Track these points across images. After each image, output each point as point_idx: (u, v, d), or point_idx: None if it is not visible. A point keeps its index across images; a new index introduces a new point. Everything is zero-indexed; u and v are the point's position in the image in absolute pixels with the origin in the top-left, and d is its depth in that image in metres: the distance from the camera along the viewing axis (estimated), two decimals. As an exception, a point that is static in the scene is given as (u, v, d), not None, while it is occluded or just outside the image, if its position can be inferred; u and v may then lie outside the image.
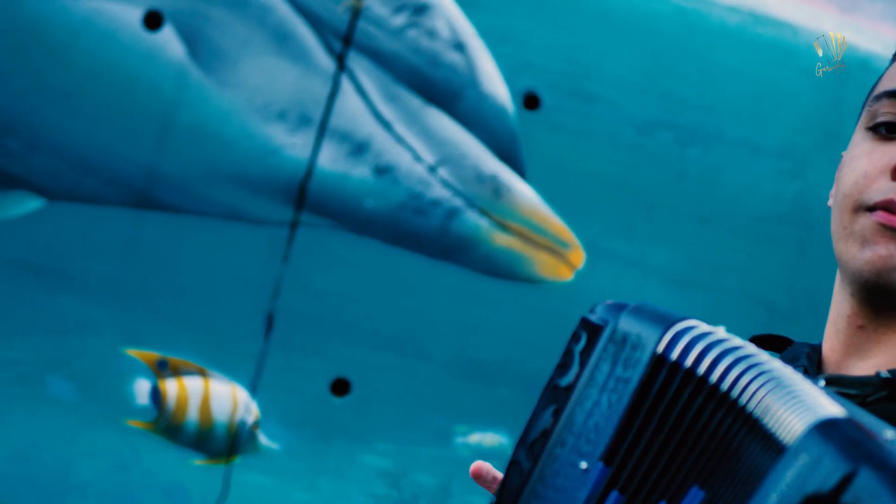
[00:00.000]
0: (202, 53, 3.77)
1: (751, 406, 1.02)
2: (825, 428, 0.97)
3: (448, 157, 3.84)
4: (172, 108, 3.74)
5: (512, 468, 1.14)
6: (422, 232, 3.83)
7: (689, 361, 1.06)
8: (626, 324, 1.11)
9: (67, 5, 3.71)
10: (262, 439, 3.75)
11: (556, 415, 1.12)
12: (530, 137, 3.88)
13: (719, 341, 1.07)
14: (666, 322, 1.09)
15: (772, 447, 0.99)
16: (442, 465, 3.77)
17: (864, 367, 1.23)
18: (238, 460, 3.74)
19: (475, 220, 3.84)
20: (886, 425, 1.00)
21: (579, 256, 3.88)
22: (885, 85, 1.23)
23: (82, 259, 3.72)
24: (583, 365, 1.12)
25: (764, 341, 1.29)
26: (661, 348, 1.08)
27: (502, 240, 3.86)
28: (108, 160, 3.74)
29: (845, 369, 1.24)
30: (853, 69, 3.97)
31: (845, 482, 0.94)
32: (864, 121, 1.24)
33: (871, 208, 1.18)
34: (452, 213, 3.84)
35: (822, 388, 1.07)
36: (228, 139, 3.77)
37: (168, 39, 3.75)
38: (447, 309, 3.84)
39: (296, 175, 3.78)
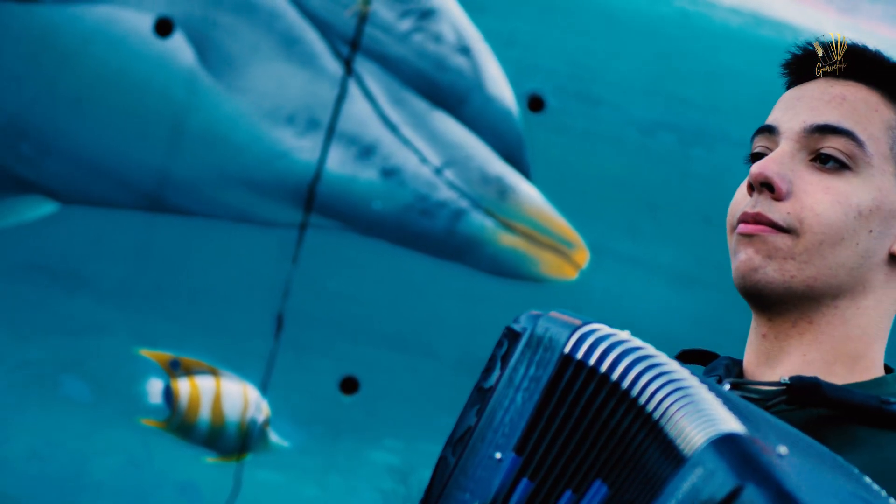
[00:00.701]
0: (212, 59, 3.80)
1: (651, 409, 1.08)
2: (722, 443, 1.04)
3: (454, 159, 3.86)
4: (183, 113, 3.76)
5: (440, 464, 1.21)
6: (428, 233, 3.85)
7: (592, 360, 1.13)
8: (541, 328, 1.19)
9: (79, 13, 3.74)
10: (273, 437, 3.76)
11: (479, 414, 1.19)
12: (535, 139, 3.89)
13: (621, 342, 1.13)
14: (573, 325, 1.17)
15: (673, 456, 1.06)
16: None
17: (774, 375, 1.30)
18: (249, 458, 3.74)
19: (481, 221, 3.86)
20: (786, 438, 1.07)
21: (584, 256, 3.89)
22: (768, 120, 1.33)
23: (95, 261, 3.73)
24: (503, 368, 1.21)
25: (691, 355, 1.38)
26: (567, 348, 1.15)
27: (508, 240, 3.88)
28: (119, 164, 3.76)
29: (759, 378, 1.31)
30: None
31: (733, 496, 1.01)
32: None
33: (737, 226, 1.29)
34: (458, 214, 3.86)
35: (728, 392, 1.15)
36: (238, 143, 3.80)
37: (178, 46, 3.78)
38: (454, 308, 3.85)
39: (304, 178, 3.80)
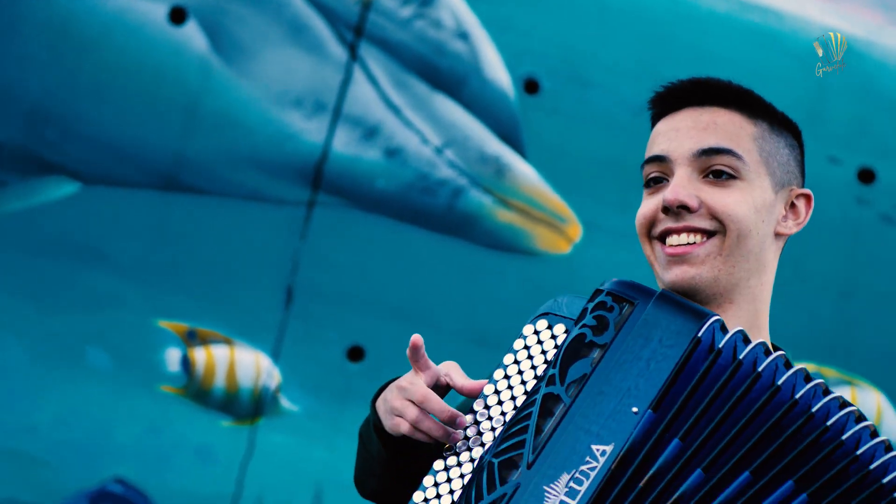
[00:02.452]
0: (224, 46, 3.85)
1: (852, 443, 1.34)
2: None
3: (453, 139, 3.91)
4: (197, 98, 3.81)
5: (547, 399, 1.38)
6: (429, 210, 3.89)
7: (737, 353, 1.37)
8: (660, 307, 1.40)
9: (97, 4, 3.80)
10: (284, 402, 3.80)
11: (594, 365, 1.39)
12: (530, 121, 3.93)
13: (751, 341, 1.39)
14: (701, 314, 1.39)
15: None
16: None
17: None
18: (262, 422, 3.78)
19: (479, 198, 3.90)
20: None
21: (576, 231, 3.94)
22: (649, 152, 1.62)
23: (115, 239, 3.76)
24: (617, 331, 1.40)
25: None
26: (700, 333, 1.38)
27: (504, 216, 3.92)
28: (137, 147, 3.80)
29: None
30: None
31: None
32: (643, 181, 1.62)
33: (662, 238, 1.58)
34: (458, 191, 3.89)
35: None
36: (249, 126, 3.83)
37: (192, 33, 3.83)
38: (454, 281, 3.88)
39: (312, 158, 3.84)
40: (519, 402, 1.41)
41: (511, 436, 1.38)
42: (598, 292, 1.44)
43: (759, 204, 1.60)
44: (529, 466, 1.35)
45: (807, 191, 1.66)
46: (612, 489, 1.33)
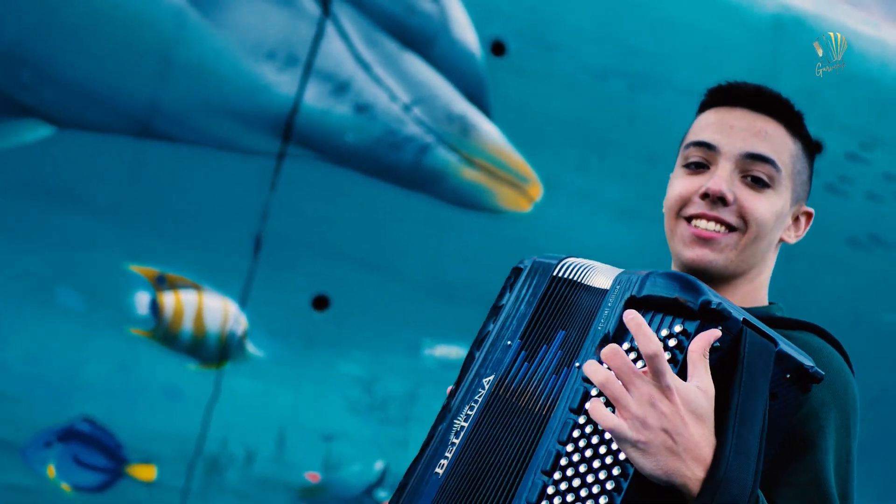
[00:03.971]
0: None
1: (576, 278, 1.60)
2: (622, 275, 1.56)
3: (421, 97, 3.94)
4: (171, 47, 3.79)
5: (467, 360, 1.69)
6: (397, 165, 3.92)
7: (569, 275, 1.61)
8: (537, 263, 1.68)
9: None
10: (250, 348, 3.83)
11: (494, 322, 1.69)
12: (496, 81, 3.98)
13: (581, 264, 1.62)
14: (559, 257, 1.66)
15: (597, 292, 1.57)
16: (411, 374, 3.82)
17: None
18: (228, 366, 3.80)
19: (445, 156, 3.94)
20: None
21: (537, 190, 4.00)
22: (694, 136, 1.78)
23: (89, 182, 3.74)
24: (510, 291, 1.70)
25: None
26: (555, 272, 1.64)
27: (469, 174, 3.96)
28: (112, 93, 3.78)
29: None
30: (787, 25, 4.21)
31: (642, 283, 1.50)
32: (680, 160, 1.80)
33: (688, 218, 1.76)
34: (424, 148, 3.93)
35: None
36: (222, 76, 3.83)
37: None
38: (418, 234, 3.92)
39: (283, 110, 3.85)
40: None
41: (456, 389, 1.69)
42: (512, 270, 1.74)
43: (778, 213, 1.78)
44: (450, 410, 1.65)
45: (810, 210, 1.85)
46: (489, 405, 1.60)
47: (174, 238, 3.81)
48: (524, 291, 1.65)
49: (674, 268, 1.84)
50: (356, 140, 3.91)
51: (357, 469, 3.88)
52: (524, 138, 4.02)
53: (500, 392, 1.58)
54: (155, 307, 3.80)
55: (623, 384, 1.41)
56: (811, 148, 1.85)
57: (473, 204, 3.99)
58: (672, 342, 1.44)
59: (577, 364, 1.52)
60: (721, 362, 1.44)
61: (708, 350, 1.42)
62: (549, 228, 4.00)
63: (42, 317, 3.72)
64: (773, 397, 1.47)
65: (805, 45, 4.14)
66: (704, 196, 1.78)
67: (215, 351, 3.82)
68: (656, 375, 1.39)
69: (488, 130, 4.00)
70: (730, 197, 1.77)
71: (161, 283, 3.81)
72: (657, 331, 1.45)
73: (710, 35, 4.15)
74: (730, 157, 1.78)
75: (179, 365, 3.80)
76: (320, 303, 3.90)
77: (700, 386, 1.41)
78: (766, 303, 1.83)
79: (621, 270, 1.57)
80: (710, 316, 1.43)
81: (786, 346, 1.49)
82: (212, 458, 3.79)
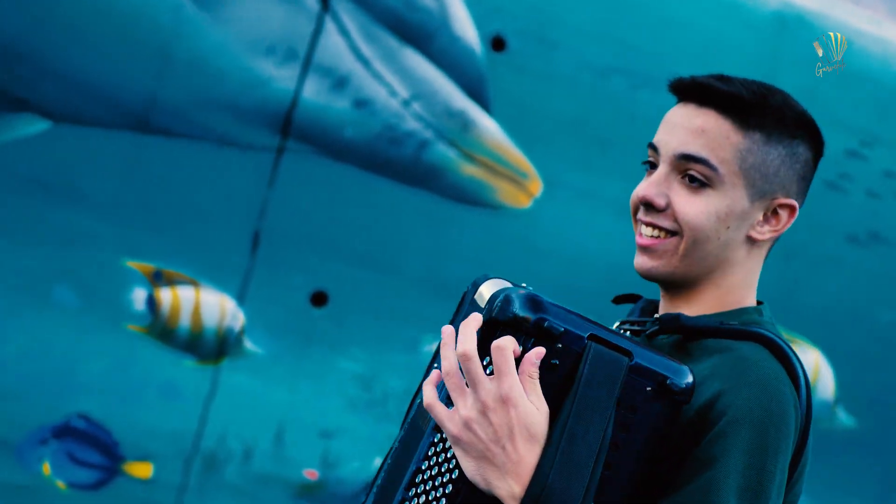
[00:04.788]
0: None
1: (478, 298, 1.55)
2: (491, 283, 1.55)
3: (421, 92, 3.93)
4: (170, 41, 3.78)
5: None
6: (396, 160, 3.91)
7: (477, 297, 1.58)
8: (484, 289, 1.60)
9: None
10: (248, 344, 3.82)
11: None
12: (496, 78, 3.97)
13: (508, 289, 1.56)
14: (507, 289, 1.58)
15: (479, 308, 1.53)
16: (410, 371, 3.81)
17: None
18: (225, 363, 3.79)
19: (444, 151, 3.94)
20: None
21: (537, 186, 4.00)
22: (655, 137, 1.73)
23: (86, 177, 3.73)
24: (456, 316, 1.66)
25: (624, 298, 1.84)
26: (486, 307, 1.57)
27: (468, 170, 3.96)
28: (110, 87, 3.76)
29: None
30: (790, 22, 4.21)
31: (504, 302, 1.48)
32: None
33: (635, 213, 1.73)
34: (424, 144, 3.92)
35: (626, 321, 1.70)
36: (221, 71, 3.81)
37: None
38: (418, 230, 3.92)
39: (282, 105, 3.84)
40: None
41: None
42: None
43: (724, 213, 1.68)
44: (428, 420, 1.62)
45: (791, 201, 1.72)
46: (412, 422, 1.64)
47: (171, 234, 3.81)
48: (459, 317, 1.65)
49: None
50: (355, 135, 3.91)
51: (356, 466, 3.88)
52: (524, 135, 4.01)
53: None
54: (152, 303, 3.79)
55: (467, 382, 1.45)
56: (790, 133, 1.72)
57: (473, 199, 3.98)
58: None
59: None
60: (564, 379, 1.46)
61: (535, 368, 1.45)
62: (548, 225, 4.01)
63: (38, 313, 3.71)
64: (632, 410, 1.47)
65: (807, 43, 4.13)
66: (640, 202, 1.73)
67: (213, 347, 3.81)
68: (472, 380, 1.44)
69: (488, 126, 3.99)
70: (659, 202, 1.69)
71: (158, 279, 3.80)
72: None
73: (712, 33, 4.15)
74: (666, 158, 1.71)
75: (176, 361, 3.79)
76: (319, 299, 3.89)
77: (535, 403, 1.45)
78: (747, 304, 1.73)
79: (507, 286, 1.55)
80: (542, 334, 1.45)
81: (646, 359, 1.49)
82: (209, 456, 3.79)
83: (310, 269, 3.87)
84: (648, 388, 1.48)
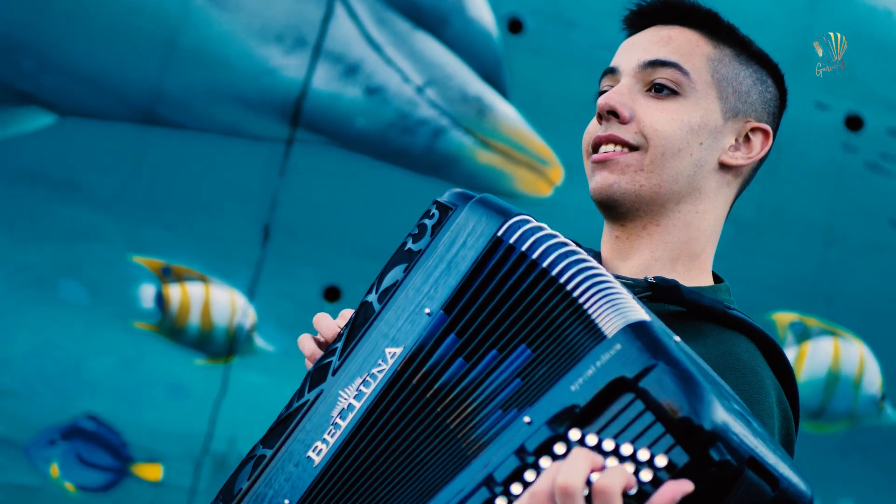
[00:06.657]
0: None
1: (577, 294, 1.22)
2: (637, 328, 1.19)
3: (435, 78, 3.87)
4: (176, 31, 3.76)
5: (362, 307, 1.35)
6: (409, 149, 3.85)
7: (524, 247, 1.27)
8: (474, 209, 1.33)
9: None
10: (259, 341, 3.78)
11: (406, 271, 1.34)
12: (513, 61, 3.89)
13: (550, 235, 1.28)
14: (507, 213, 1.31)
15: (594, 334, 1.20)
16: None
17: (626, 267, 1.54)
18: (236, 361, 3.76)
19: (460, 139, 3.86)
20: (669, 330, 1.23)
21: (558, 173, 3.90)
22: (612, 63, 1.53)
23: (92, 171, 3.72)
24: (433, 236, 1.35)
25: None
26: (500, 232, 1.29)
27: (485, 157, 3.88)
28: (115, 79, 3.76)
29: (613, 269, 1.54)
30: None
31: (646, 372, 1.16)
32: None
33: (593, 150, 1.52)
34: (438, 131, 3.86)
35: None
36: (228, 60, 3.79)
37: None
38: None
39: (291, 94, 3.80)
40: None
41: (332, 347, 1.37)
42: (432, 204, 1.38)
43: (697, 125, 1.52)
44: (334, 373, 1.34)
45: (765, 125, 1.57)
46: (394, 389, 1.29)
47: (180, 228, 3.78)
48: (458, 248, 1.31)
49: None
50: (367, 124, 3.86)
51: (369, 466, 3.81)
52: (543, 119, 3.91)
53: (408, 377, 1.28)
54: (160, 300, 3.77)
55: None
56: (757, 58, 1.58)
57: (490, 188, 3.89)
58: (646, 475, 1.13)
59: (525, 418, 1.20)
60: (693, 496, 1.14)
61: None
62: (570, 213, 3.86)
63: (44, 310, 3.70)
64: None
65: (841, 18, 3.96)
66: (599, 118, 1.54)
67: (223, 345, 3.78)
68: None
69: (505, 112, 3.91)
70: (623, 111, 1.52)
71: (167, 275, 3.78)
72: (633, 441, 1.15)
73: (739, 8, 3.98)
74: (628, 70, 1.55)
75: (186, 360, 3.76)
76: (332, 294, 3.85)
77: None
78: (707, 267, 1.55)
79: (639, 317, 1.20)
80: (707, 458, 1.13)
81: (791, 487, 1.18)
82: (220, 457, 3.74)
83: (322, 262, 3.83)
84: None
